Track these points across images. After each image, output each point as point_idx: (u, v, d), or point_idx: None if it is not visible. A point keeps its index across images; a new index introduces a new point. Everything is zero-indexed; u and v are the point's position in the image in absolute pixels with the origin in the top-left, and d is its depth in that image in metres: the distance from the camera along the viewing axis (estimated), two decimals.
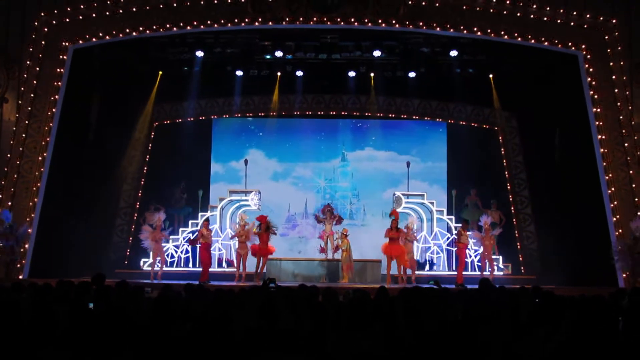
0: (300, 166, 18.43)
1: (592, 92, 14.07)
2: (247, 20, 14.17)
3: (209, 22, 14.24)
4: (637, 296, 6.96)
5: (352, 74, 17.21)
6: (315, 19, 14.14)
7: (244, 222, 15.12)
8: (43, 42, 14.22)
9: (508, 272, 16.21)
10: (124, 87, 16.50)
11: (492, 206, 16.66)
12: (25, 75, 14.20)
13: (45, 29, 14.22)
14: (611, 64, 14.00)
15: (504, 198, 17.25)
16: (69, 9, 14.18)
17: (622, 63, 13.99)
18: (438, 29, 14.29)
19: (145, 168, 17.85)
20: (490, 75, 17.01)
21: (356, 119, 18.46)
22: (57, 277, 8.71)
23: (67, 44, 14.37)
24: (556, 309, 5.28)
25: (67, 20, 14.23)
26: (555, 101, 15.45)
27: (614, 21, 13.96)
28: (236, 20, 14.23)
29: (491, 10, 13.94)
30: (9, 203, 13.86)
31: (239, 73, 17.24)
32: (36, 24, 14.19)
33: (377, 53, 16.04)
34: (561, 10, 13.96)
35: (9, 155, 14.09)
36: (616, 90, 13.96)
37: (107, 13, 14.13)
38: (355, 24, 14.18)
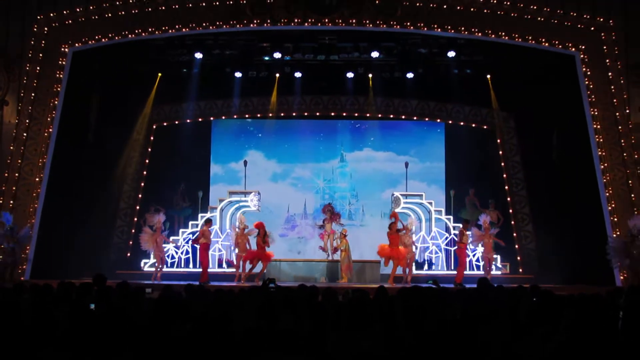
0: (299, 167, 18.43)
1: (589, 92, 14.09)
2: (245, 22, 14.20)
3: (207, 24, 14.28)
4: (634, 295, 6.97)
5: (350, 75, 17.21)
6: (313, 20, 14.15)
7: (244, 225, 15.14)
8: (43, 45, 14.24)
9: (506, 271, 16.23)
10: (123, 89, 16.49)
11: (490, 206, 16.68)
12: (25, 78, 14.21)
13: (45, 32, 14.24)
14: (608, 64, 14.01)
15: (501, 198, 17.26)
16: (68, 12, 14.19)
17: (619, 64, 14.01)
18: (438, 30, 14.29)
19: (145, 169, 17.84)
20: (488, 76, 17.01)
21: (354, 120, 18.47)
22: (59, 278, 8.71)
23: (66, 46, 14.38)
24: (554, 308, 5.29)
25: (67, 23, 14.25)
26: (553, 102, 15.45)
27: (611, 22, 13.97)
28: (235, 22, 14.26)
29: (489, 11, 13.96)
30: (10, 204, 13.87)
31: (238, 74, 17.23)
32: (36, 27, 14.19)
33: (375, 54, 16.05)
34: (559, 11, 13.99)
35: (9, 158, 14.10)
36: (613, 91, 13.98)
37: (107, 15, 14.13)
38: (354, 24, 14.18)
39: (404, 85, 17.32)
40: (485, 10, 13.96)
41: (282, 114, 18.17)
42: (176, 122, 18.34)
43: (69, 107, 14.61)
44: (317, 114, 18.31)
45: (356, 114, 18.29)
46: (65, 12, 14.20)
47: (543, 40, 14.22)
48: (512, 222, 17.01)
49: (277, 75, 17.27)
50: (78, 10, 14.15)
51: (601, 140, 13.98)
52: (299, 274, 15.10)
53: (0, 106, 14.43)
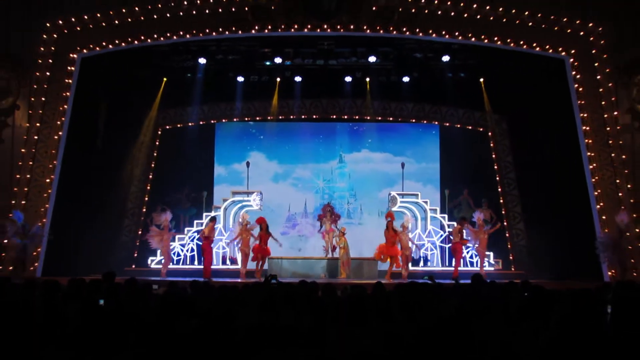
0: (299, 168, 18.45)
1: (578, 96, 14.09)
2: (247, 28, 14.20)
3: (210, 30, 14.26)
4: (622, 290, 6.98)
5: (348, 79, 17.26)
6: (311, 26, 14.16)
7: (246, 222, 15.17)
8: (52, 52, 14.24)
9: (499, 267, 16.26)
10: (129, 93, 16.53)
11: (483, 205, 16.71)
12: (35, 83, 14.22)
13: (55, 39, 14.23)
14: (597, 68, 14.00)
15: (494, 197, 17.29)
16: (77, 19, 14.18)
17: (606, 66, 14.00)
18: (434, 35, 14.29)
19: (151, 171, 17.87)
20: (481, 80, 17.04)
21: (353, 122, 18.49)
22: (69, 275, 8.72)
23: (75, 53, 14.39)
24: (545, 303, 5.30)
25: (76, 30, 14.24)
26: (544, 104, 15.46)
27: (600, 29, 13.96)
28: (237, 29, 14.25)
29: (482, 17, 13.94)
30: (23, 203, 13.89)
31: (240, 79, 17.29)
32: (45, 34, 14.19)
33: (372, 59, 16.08)
34: (551, 17, 13.96)
35: (21, 160, 14.12)
36: (602, 94, 13.98)
37: (115, 22, 14.13)
38: (352, 29, 14.19)
39: (400, 88, 17.37)
40: (478, 16, 13.95)
41: (283, 117, 18.21)
42: (181, 125, 18.38)
43: (77, 111, 14.62)
44: (317, 116, 18.35)
45: (354, 117, 18.33)
46: (73, 19, 14.19)
47: (534, 44, 14.22)
48: (505, 221, 17.03)
49: (278, 79, 17.32)
50: (86, 17, 14.15)
51: (590, 142, 13.99)
52: (299, 271, 15.12)
53: (12, 110, 14.42)
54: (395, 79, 17.14)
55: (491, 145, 17.68)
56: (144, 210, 17.45)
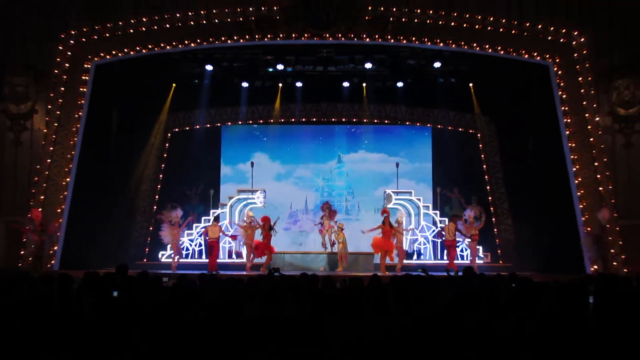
0: (300, 167, 18.43)
1: (562, 100, 14.09)
2: (252, 37, 14.19)
3: (216, 39, 14.26)
4: (603, 282, 6.97)
5: (346, 84, 17.25)
6: (311, 35, 14.15)
7: (250, 219, 15.15)
8: (69, 59, 14.23)
9: (488, 260, 16.25)
10: (141, 98, 16.53)
11: (473, 202, 16.67)
12: (53, 89, 14.22)
13: (71, 47, 14.23)
14: (578, 74, 14.00)
15: (483, 195, 17.27)
16: (92, 29, 14.18)
17: (589, 76, 13.99)
18: (428, 43, 14.28)
19: (162, 171, 17.86)
20: (471, 84, 17.03)
21: (350, 125, 18.46)
22: (85, 269, 8.71)
23: (90, 61, 14.38)
24: (532, 294, 5.29)
25: (90, 39, 14.24)
26: (530, 107, 15.46)
27: (579, 34, 13.96)
28: (241, 38, 14.25)
29: (464, 25, 13.94)
30: (41, 200, 13.90)
31: (245, 84, 17.27)
32: (62, 43, 14.19)
33: (368, 65, 16.07)
34: (536, 25, 13.96)
35: (40, 160, 14.12)
36: (584, 98, 13.97)
37: (128, 31, 14.14)
38: (352, 38, 14.20)
39: (394, 93, 17.36)
40: (467, 25, 13.95)
41: (285, 120, 18.19)
42: (189, 128, 18.36)
43: (92, 115, 14.61)
44: (317, 119, 18.30)
45: (352, 120, 18.28)
46: (88, 29, 14.19)
47: (520, 52, 14.22)
48: (493, 217, 17.02)
49: (280, 85, 17.31)
50: (100, 27, 14.15)
51: (574, 145, 14.00)
52: (301, 264, 15.11)
53: (31, 115, 14.42)
54: (390, 84, 17.14)
55: (480, 146, 17.65)
56: (155, 208, 17.43)
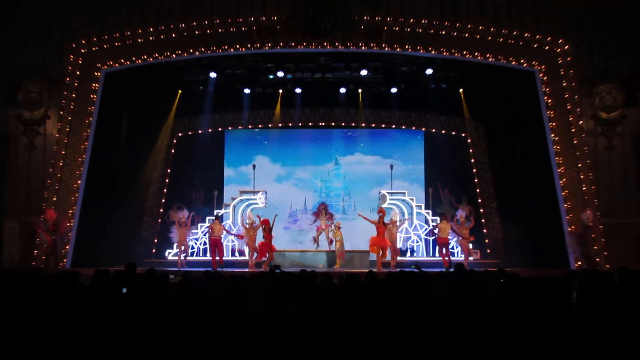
0: (300, 169, 18.42)
1: (547, 101, 14.10)
2: (253, 45, 14.20)
3: (219, 48, 14.26)
4: (586, 278, 6.98)
5: (342, 90, 17.26)
6: (310, 44, 14.16)
7: (252, 220, 15.15)
8: (80, 67, 14.22)
9: (477, 257, 16.25)
10: (148, 104, 16.52)
11: (463, 202, 16.68)
12: (64, 96, 14.20)
13: (82, 56, 14.22)
14: (563, 79, 14.03)
15: (473, 195, 17.27)
16: (102, 38, 14.18)
17: (572, 77, 14.02)
18: (422, 51, 14.28)
19: (168, 173, 17.85)
20: (461, 90, 17.03)
21: (347, 129, 18.46)
22: (95, 267, 8.70)
23: (99, 69, 14.37)
24: (519, 289, 5.29)
25: (100, 48, 14.24)
26: (517, 112, 15.47)
27: (563, 42, 13.98)
28: (244, 46, 14.25)
29: (455, 34, 13.95)
30: (54, 199, 13.90)
31: (247, 91, 17.28)
32: (73, 52, 14.18)
33: (364, 72, 16.08)
34: (522, 34, 13.97)
35: (52, 163, 14.11)
36: (568, 103, 13.99)
37: (138, 40, 14.13)
38: (344, 47, 14.22)
39: (388, 98, 17.38)
40: (455, 33, 13.96)
41: (284, 124, 18.19)
42: (194, 133, 18.35)
43: (102, 120, 14.60)
44: (315, 124, 18.31)
45: (348, 124, 18.29)
46: (98, 38, 14.18)
47: (508, 58, 14.23)
48: (482, 219, 17.01)
49: (280, 91, 17.31)
50: (110, 37, 14.14)
51: (558, 148, 14.01)
52: (300, 261, 15.09)
53: (44, 120, 14.42)
54: (385, 90, 17.15)
55: (470, 149, 17.66)
56: (162, 209, 17.43)
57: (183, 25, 14.00)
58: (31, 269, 12.08)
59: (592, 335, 3.74)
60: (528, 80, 14.55)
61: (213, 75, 16.22)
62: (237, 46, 14.22)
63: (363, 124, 18.06)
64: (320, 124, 18.29)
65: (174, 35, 14.11)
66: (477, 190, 17.34)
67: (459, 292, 4.63)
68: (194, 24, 14.01)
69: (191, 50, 14.36)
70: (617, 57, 14.17)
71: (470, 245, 15.68)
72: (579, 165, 13.84)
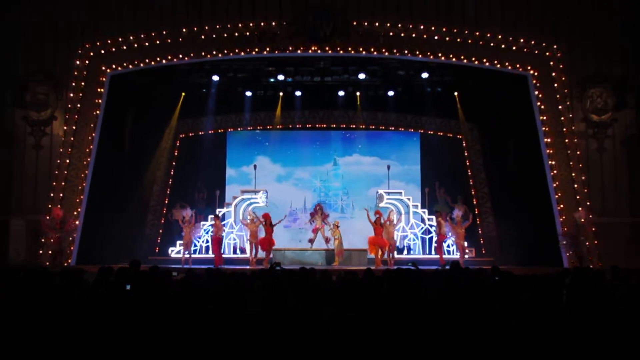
0: (299, 170, 18.40)
1: (539, 105, 14.10)
2: (254, 50, 14.17)
3: (222, 51, 14.24)
4: (578, 275, 6.97)
5: (341, 93, 17.23)
6: (310, 48, 14.14)
7: (252, 217, 15.14)
8: (85, 70, 14.19)
9: (472, 255, 16.23)
10: (152, 106, 16.51)
11: (458, 201, 16.68)
12: (71, 97, 14.18)
13: (88, 58, 14.19)
14: (555, 82, 14.03)
15: (467, 194, 17.26)
16: (107, 42, 14.15)
17: (564, 80, 14.02)
18: (410, 55, 14.26)
19: (172, 173, 17.83)
20: (455, 93, 17.02)
21: (345, 130, 18.44)
22: (100, 264, 8.67)
23: (105, 72, 14.34)
24: (512, 286, 5.27)
25: (106, 51, 14.20)
26: (510, 114, 15.47)
27: (556, 47, 13.98)
28: (245, 50, 14.23)
29: (449, 39, 13.93)
30: (60, 196, 13.87)
31: (248, 93, 17.26)
32: (79, 56, 14.15)
33: (361, 76, 16.04)
34: (515, 39, 13.97)
35: (58, 162, 14.09)
36: (560, 106, 13.99)
37: (144, 44, 14.09)
38: (343, 52, 14.22)
39: (386, 101, 17.36)
40: (450, 39, 13.94)
41: (285, 126, 18.18)
42: (196, 134, 18.33)
43: (107, 122, 14.57)
44: (314, 125, 18.31)
45: (347, 125, 18.28)
46: (104, 41, 14.15)
47: (501, 63, 14.21)
48: (477, 218, 17.00)
49: (281, 93, 17.29)
50: (115, 40, 14.11)
51: (551, 152, 14.00)
52: (299, 259, 15.06)
53: (50, 121, 14.39)
54: (382, 93, 17.14)
55: (465, 150, 17.65)
56: (165, 208, 17.40)
57: (187, 29, 13.98)
58: (37, 266, 12.05)
59: (583, 332, 3.71)
60: (521, 84, 14.54)
61: (216, 78, 16.19)
62: (239, 50, 14.20)
63: (361, 126, 18.05)
64: (320, 125, 18.28)
65: (177, 39, 14.08)
66: (472, 191, 17.32)
67: (454, 290, 4.60)
68: (197, 28, 13.99)
69: (194, 54, 14.32)
70: (609, 61, 14.16)
71: (466, 244, 15.68)
72: (571, 163, 13.84)
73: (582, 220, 13.37)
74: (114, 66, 14.38)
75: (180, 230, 15.56)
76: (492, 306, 4.38)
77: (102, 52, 14.20)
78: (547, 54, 14.02)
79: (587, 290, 4.45)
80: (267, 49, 14.12)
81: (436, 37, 13.86)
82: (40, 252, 13.71)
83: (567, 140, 13.88)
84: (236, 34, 13.99)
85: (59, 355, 3.62)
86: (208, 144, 18.02)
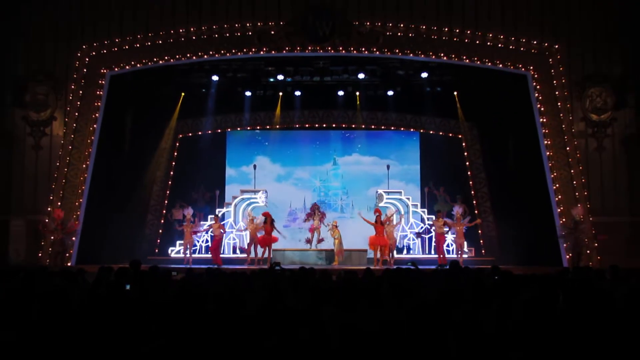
0: (299, 169, 18.40)
1: (539, 105, 14.11)
2: (254, 49, 14.18)
3: (221, 51, 14.24)
4: (578, 274, 6.97)
5: (341, 93, 17.22)
6: (309, 48, 14.15)
7: (252, 217, 15.15)
8: (85, 70, 14.20)
9: (472, 254, 16.24)
10: (152, 106, 16.50)
11: (457, 201, 16.68)
12: (70, 97, 14.19)
13: (87, 59, 14.20)
14: (554, 82, 14.03)
15: (467, 194, 17.26)
16: (108, 41, 14.16)
17: (563, 80, 14.04)
18: (411, 55, 14.28)
19: (172, 173, 17.82)
20: (455, 93, 17.02)
21: (345, 130, 18.43)
22: (100, 264, 8.67)
23: (105, 70, 14.34)
24: (512, 285, 5.27)
25: (105, 51, 14.21)
26: (509, 113, 15.47)
27: (556, 46, 13.99)
28: (245, 50, 14.24)
29: (449, 39, 13.94)
30: (60, 194, 13.87)
31: (248, 93, 17.25)
32: (79, 55, 14.16)
33: (361, 75, 16.05)
34: (515, 39, 13.99)
35: (58, 162, 14.09)
36: (559, 104, 14.00)
37: (145, 44, 14.10)
38: (343, 52, 14.22)
39: (385, 101, 17.35)
40: (450, 38, 13.95)
41: (284, 126, 18.17)
42: (194, 134, 18.32)
43: (107, 122, 14.57)
44: (313, 125, 18.29)
45: (346, 125, 18.26)
46: (104, 42, 14.16)
47: (500, 62, 14.21)
48: (477, 217, 16.98)
49: (281, 93, 17.28)
50: (114, 41, 14.12)
51: (549, 143, 14.00)
52: (299, 259, 15.06)
53: (50, 121, 14.39)
54: (381, 92, 17.13)
55: (465, 150, 17.65)
56: (165, 209, 17.40)
57: (185, 30, 13.98)
58: (37, 266, 12.04)
59: (583, 331, 3.71)
60: (520, 83, 14.54)
61: (215, 78, 16.19)
62: (239, 50, 14.20)
63: (361, 126, 18.04)
64: (319, 125, 18.27)
65: (176, 39, 14.08)
66: (472, 190, 17.32)
67: (454, 290, 4.60)
68: (197, 29, 13.99)
69: (193, 55, 14.32)
70: (608, 61, 14.17)
71: (465, 243, 15.67)
72: (570, 159, 13.85)
73: (580, 216, 13.38)
74: (113, 66, 14.39)
75: (180, 230, 15.55)
76: (492, 306, 4.38)
77: (102, 52, 14.20)
78: (547, 53, 14.03)
79: (587, 290, 4.44)
80: (267, 49, 14.12)
81: (436, 37, 13.85)
82: (40, 252, 13.70)
83: (566, 139, 13.88)
84: (236, 34, 14.00)
85: (59, 355, 3.62)
86: (208, 144, 18.01)
